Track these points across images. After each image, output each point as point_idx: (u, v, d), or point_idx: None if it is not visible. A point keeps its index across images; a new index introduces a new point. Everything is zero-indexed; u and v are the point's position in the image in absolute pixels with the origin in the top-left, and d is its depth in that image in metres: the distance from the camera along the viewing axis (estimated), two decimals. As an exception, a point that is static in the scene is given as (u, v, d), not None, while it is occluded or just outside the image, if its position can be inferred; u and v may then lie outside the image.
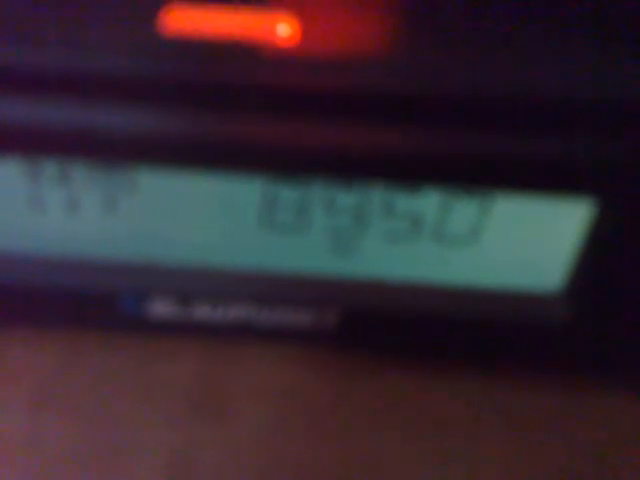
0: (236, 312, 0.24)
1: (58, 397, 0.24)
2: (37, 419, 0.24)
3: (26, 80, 0.19)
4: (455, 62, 0.19)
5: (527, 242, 0.22)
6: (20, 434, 0.23)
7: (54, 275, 0.23)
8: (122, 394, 0.24)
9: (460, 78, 0.19)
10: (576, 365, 0.24)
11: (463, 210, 0.22)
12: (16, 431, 0.23)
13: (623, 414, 0.24)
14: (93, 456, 0.23)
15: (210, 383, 0.25)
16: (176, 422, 0.24)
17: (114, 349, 0.25)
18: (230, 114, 0.19)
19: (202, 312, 0.24)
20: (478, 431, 0.24)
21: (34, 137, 0.20)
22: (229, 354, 0.25)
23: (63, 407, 0.24)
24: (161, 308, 0.24)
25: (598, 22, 0.20)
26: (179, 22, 0.19)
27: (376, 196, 0.22)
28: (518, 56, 0.19)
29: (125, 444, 0.24)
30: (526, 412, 0.24)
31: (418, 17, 0.20)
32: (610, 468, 0.24)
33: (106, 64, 0.19)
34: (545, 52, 0.19)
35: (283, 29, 0.19)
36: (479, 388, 0.25)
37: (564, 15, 0.20)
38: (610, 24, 0.20)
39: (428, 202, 0.22)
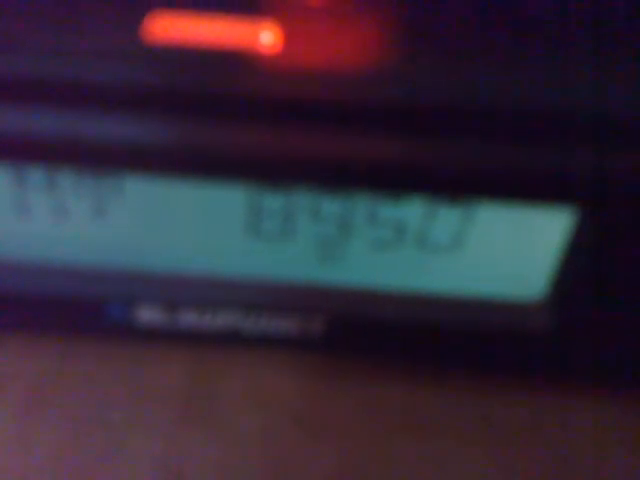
0: (223, 320, 0.24)
1: (46, 403, 0.24)
2: (25, 425, 0.24)
3: (10, 88, 0.19)
4: (443, 72, 0.19)
5: (510, 250, 0.23)
6: (8, 440, 0.23)
7: (41, 282, 0.23)
8: (111, 401, 0.24)
9: (443, 88, 0.19)
10: (561, 372, 0.24)
11: (446, 218, 0.22)
12: (4, 437, 0.23)
13: (612, 421, 0.24)
14: (82, 462, 0.23)
15: (199, 389, 0.25)
16: (165, 428, 0.24)
17: (103, 355, 0.25)
18: (214, 122, 0.19)
19: (189, 319, 0.24)
20: (467, 438, 0.24)
21: (20, 145, 0.20)
22: (218, 360, 0.25)
23: (52, 413, 0.24)
24: (148, 315, 0.24)
25: (595, 34, 0.20)
26: (163, 30, 0.19)
27: (360, 204, 0.22)
28: (504, 67, 0.19)
29: (114, 450, 0.23)
30: (512, 419, 0.24)
31: (406, 26, 0.20)
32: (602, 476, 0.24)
33: (90, 72, 0.19)
34: (536, 63, 0.19)
35: (266, 37, 0.19)
36: (466, 395, 0.25)
37: (561, 26, 0.20)
38: (608, 36, 0.20)
39: (411, 210, 0.22)
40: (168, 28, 0.19)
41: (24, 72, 0.19)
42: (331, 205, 0.22)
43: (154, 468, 0.23)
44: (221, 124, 0.19)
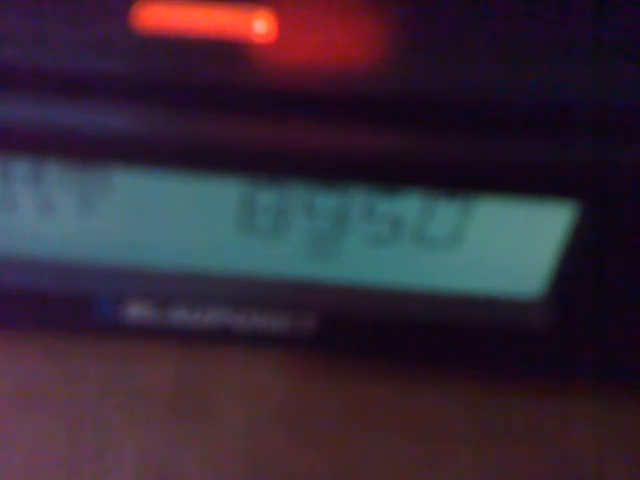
0: (214, 316, 0.24)
1: (36, 400, 0.24)
2: (14, 420, 0.24)
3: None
4: (440, 65, 0.19)
5: (508, 246, 0.22)
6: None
7: (29, 277, 0.23)
8: (102, 396, 0.24)
9: (441, 81, 0.19)
10: (560, 370, 0.24)
11: (444, 214, 0.22)
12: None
13: (612, 420, 0.24)
14: (71, 459, 0.23)
15: (190, 386, 0.24)
16: (157, 424, 0.24)
17: (93, 351, 0.25)
18: (205, 113, 0.19)
19: (180, 316, 0.24)
20: (461, 436, 0.24)
21: (6, 136, 0.19)
22: (209, 356, 0.25)
23: (41, 410, 0.24)
24: (138, 312, 0.24)
25: (595, 26, 0.20)
26: (153, 19, 0.19)
27: (356, 199, 0.22)
28: (503, 60, 0.19)
29: (104, 447, 0.23)
30: (511, 417, 0.24)
31: (404, 18, 0.19)
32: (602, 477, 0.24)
33: (77, 62, 0.18)
34: (534, 56, 0.19)
35: (260, 26, 0.19)
36: (462, 393, 0.25)
37: (561, 18, 0.20)
38: (608, 28, 0.20)
39: (409, 205, 0.22)
40: (158, 16, 0.19)
41: (9, 62, 0.18)
42: (326, 200, 0.22)
43: (143, 465, 0.23)
44: (212, 115, 0.19)
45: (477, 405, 0.24)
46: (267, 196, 0.22)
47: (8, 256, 0.23)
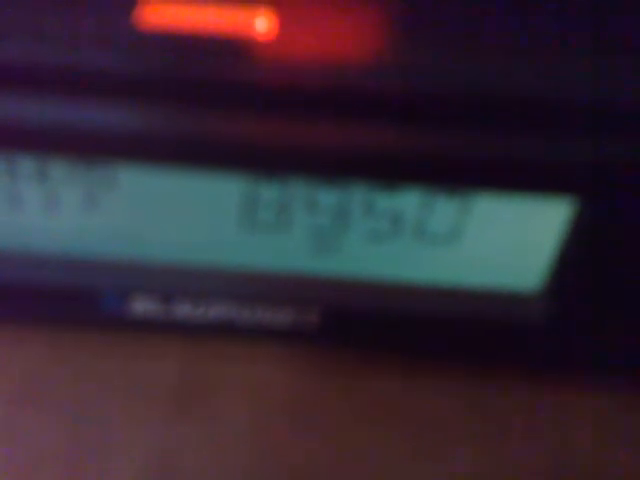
0: (218, 311, 0.24)
1: (39, 394, 0.24)
2: (17, 416, 0.24)
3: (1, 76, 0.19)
4: (440, 61, 0.19)
5: (508, 241, 0.22)
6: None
7: (35, 273, 0.23)
8: (104, 392, 0.24)
9: (441, 77, 0.19)
10: (559, 364, 0.24)
11: (444, 209, 0.22)
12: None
13: (612, 418, 0.24)
14: (74, 454, 0.23)
15: (194, 381, 0.25)
16: (159, 420, 0.24)
17: (97, 346, 0.25)
18: (207, 110, 0.19)
19: (184, 311, 0.24)
20: (461, 433, 0.24)
21: (11, 134, 0.20)
22: (213, 352, 0.25)
23: (44, 404, 0.24)
24: (142, 306, 0.24)
25: (593, 22, 0.20)
26: (156, 16, 0.19)
27: (357, 195, 0.22)
28: (503, 57, 0.19)
29: (107, 442, 0.23)
30: (510, 414, 0.24)
31: (404, 13, 0.20)
32: (600, 475, 0.24)
33: (81, 59, 0.18)
34: (532, 52, 0.19)
35: (261, 23, 0.19)
36: (462, 388, 0.25)
37: (559, 14, 0.20)
38: (606, 25, 0.20)
39: (408, 201, 0.22)
40: (161, 14, 0.19)
41: (14, 59, 0.19)
42: (327, 196, 0.22)
43: (146, 460, 0.23)
44: (214, 112, 0.19)
45: (477, 403, 0.24)
46: (269, 192, 0.22)
47: (14, 252, 0.23)
